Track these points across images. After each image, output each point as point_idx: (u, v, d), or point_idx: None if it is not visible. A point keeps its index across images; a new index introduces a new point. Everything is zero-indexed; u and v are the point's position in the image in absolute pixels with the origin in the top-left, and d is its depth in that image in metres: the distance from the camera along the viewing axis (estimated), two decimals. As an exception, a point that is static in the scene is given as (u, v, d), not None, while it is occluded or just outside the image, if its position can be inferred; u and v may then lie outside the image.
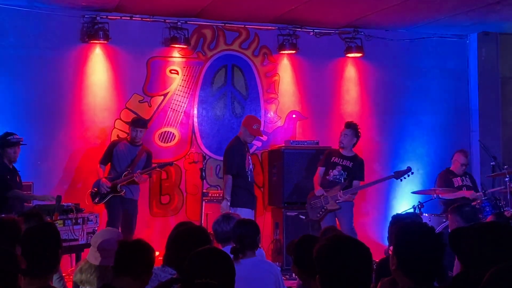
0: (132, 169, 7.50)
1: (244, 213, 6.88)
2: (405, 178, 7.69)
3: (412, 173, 7.68)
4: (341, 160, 7.60)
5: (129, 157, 7.62)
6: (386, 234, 4.91)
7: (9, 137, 6.82)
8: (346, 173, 7.55)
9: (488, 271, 2.10)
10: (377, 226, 8.55)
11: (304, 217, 7.69)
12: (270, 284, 4.27)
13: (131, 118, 8.01)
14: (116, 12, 8.20)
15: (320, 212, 7.46)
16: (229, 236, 4.65)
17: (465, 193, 8.00)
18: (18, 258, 2.58)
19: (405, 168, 7.66)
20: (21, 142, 6.86)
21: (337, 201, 7.40)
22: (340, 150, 7.68)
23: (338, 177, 7.54)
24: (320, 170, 7.68)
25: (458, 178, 8.30)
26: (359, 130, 7.70)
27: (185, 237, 3.69)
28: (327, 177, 7.60)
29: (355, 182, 7.58)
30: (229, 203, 7.20)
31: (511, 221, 6.17)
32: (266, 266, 4.40)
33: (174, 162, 8.13)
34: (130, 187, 7.54)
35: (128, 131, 7.86)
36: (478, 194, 7.82)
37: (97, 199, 7.46)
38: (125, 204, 7.53)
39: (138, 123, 7.74)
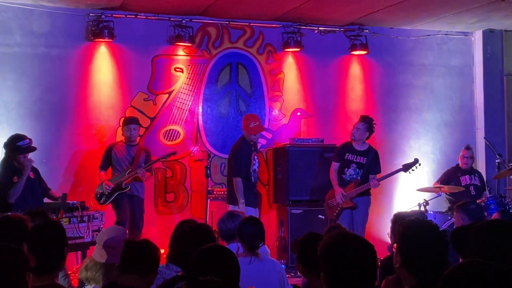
0: (135, 167, 7.51)
1: (248, 211, 6.92)
2: (413, 170, 7.69)
3: (420, 164, 7.68)
4: (355, 156, 7.61)
5: (129, 156, 7.63)
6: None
7: (19, 143, 6.71)
8: (361, 170, 7.57)
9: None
10: (382, 223, 8.53)
11: (323, 217, 7.70)
12: (275, 281, 4.28)
13: (134, 116, 8.03)
14: (121, 10, 8.21)
15: (336, 211, 7.50)
16: (234, 234, 4.66)
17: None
18: (27, 256, 2.59)
19: (412, 160, 7.68)
20: (31, 147, 6.81)
21: (352, 199, 7.45)
22: (353, 143, 7.68)
23: (354, 176, 7.58)
24: (335, 165, 7.67)
25: (467, 177, 8.29)
26: (373, 124, 7.69)
27: (190, 235, 3.70)
28: (343, 176, 7.60)
29: (371, 177, 7.60)
30: (244, 205, 7.21)
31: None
32: (270, 264, 4.40)
33: (176, 152, 8.10)
34: (135, 184, 7.56)
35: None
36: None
37: (102, 199, 7.47)
38: (132, 202, 7.55)
39: (130, 120, 7.74)
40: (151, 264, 3.28)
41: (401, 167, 7.72)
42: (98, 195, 7.50)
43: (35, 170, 6.93)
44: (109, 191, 7.43)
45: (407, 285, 2.90)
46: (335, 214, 7.51)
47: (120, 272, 3.22)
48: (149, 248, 3.32)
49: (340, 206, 7.50)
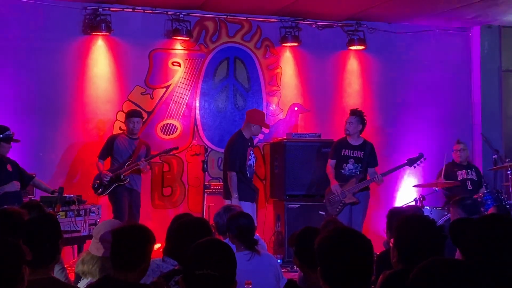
0: (134, 160, 7.51)
1: (245, 206, 6.89)
2: (418, 164, 7.71)
3: (425, 158, 7.70)
4: (352, 151, 7.62)
5: (129, 149, 7.63)
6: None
7: (7, 133, 6.66)
8: (360, 164, 7.57)
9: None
10: (379, 218, 8.54)
11: (324, 213, 7.71)
12: (270, 276, 4.28)
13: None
14: (118, 4, 8.19)
15: (339, 207, 7.50)
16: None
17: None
18: (23, 249, 2.58)
19: (417, 155, 7.69)
20: (12, 138, 6.74)
21: (354, 194, 7.46)
22: (348, 138, 7.68)
23: (353, 171, 7.58)
24: (331, 162, 7.70)
25: (463, 171, 8.30)
26: (364, 117, 7.72)
27: (186, 229, 3.70)
28: (342, 171, 7.61)
29: (370, 170, 7.62)
30: (238, 199, 7.20)
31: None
32: (265, 258, 4.40)
33: (178, 147, 8.10)
34: (134, 178, 7.55)
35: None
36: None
37: (100, 190, 7.46)
38: (131, 196, 7.54)
39: (133, 113, 7.74)
40: (138, 255, 3.17)
41: (406, 161, 7.74)
42: (96, 185, 7.48)
43: (12, 163, 6.83)
44: (107, 181, 7.40)
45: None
46: (337, 210, 7.50)
47: (112, 267, 3.19)
48: (133, 240, 3.20)
49: (342, 201, 7.49)
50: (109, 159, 7.69)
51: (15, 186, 6.63)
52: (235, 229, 4.35)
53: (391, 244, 3.19)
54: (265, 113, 8.71)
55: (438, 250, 2.91)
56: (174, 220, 4.20)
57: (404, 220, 3.13)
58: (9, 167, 6.73)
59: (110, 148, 7.63)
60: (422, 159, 7.67)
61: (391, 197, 9.13)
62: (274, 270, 4.35)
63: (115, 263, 3.17)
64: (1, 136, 6.62)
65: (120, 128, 8.11)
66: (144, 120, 8.20)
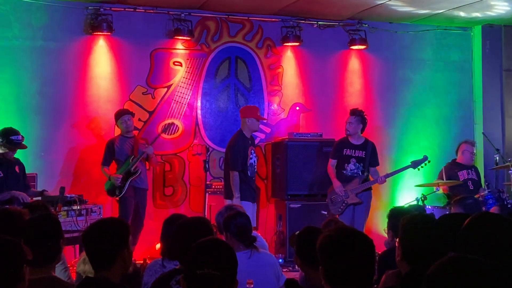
0: (136, 154, 7.49)
1: (246, 206, 6.88)
2: (422, 167, 7.71)
3: (429, 161, 7.70)
4: (353, 151, 7.61)
5: (129, 146, 7.62)
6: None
7: (12, 137, 6.62)
8: (361, 164, 7.57)
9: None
10: (380, 218, 8.54)
11: (326, 212, 7.70)
12: (270, 274, 4.28)
13: (133, 110, 7.99)
14: (120, 3, 8.19)
15: (341, 207, 7.49)
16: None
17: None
18: (24, 249, 2.58)
19: (422, 157, 7.71)
20: (22, 144, 6.72)
21: (357, 195, 7.45)
22: (349, 138, 7.68)
23: (355, 171, 7.58)
24: (332, 162, 7.70)
25: (464, 172, 8.28)
26: (365, 116, 7.71)
27: (188, 228, 3.69)
28: (344, 171, 7.61)
29: (371, 169, 7.62)
30: (239, 199, 7.20)
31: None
32: (264, 256, 4.40)
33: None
34: (141, 176, 7.54)
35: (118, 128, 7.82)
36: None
37: (117, 192, 7.40)
38: (138, 195, 7.53)
39: (122, 113, 7.70)
40: (107, 253, 3.08)
41: (410, 163, 7.73)
42: (111, 190, 7.45)
43: (20, 165, 6.83)
44: (120, 183, 7.38)
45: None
46: (340, 210, 7.50)
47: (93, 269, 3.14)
48: (99, 239, 3.11)
49: (345, 202, 7.48)
50: (113, 163, 7.67)
51: (6, 196, 6.52)
52: (235, 227, 4.34)
53: (396, 244, 3.18)
54: (265, 112, 8.73)
55: (443, 249, 2.90)
56: (169, 222, 4.19)
57: (409, 219, 3.13)
58: (17, 169, 6.74)
59: (112, 151, 7.59)
60: (426, 162, 7.66)
61: (392, 196, 9.12)
62: (274, 269, 4.35)
63: (92, 264, 3.13)
64: (3, 141, 6.60)
65: (118, 127, 8.09)
66: (145, 120, 8.22)
